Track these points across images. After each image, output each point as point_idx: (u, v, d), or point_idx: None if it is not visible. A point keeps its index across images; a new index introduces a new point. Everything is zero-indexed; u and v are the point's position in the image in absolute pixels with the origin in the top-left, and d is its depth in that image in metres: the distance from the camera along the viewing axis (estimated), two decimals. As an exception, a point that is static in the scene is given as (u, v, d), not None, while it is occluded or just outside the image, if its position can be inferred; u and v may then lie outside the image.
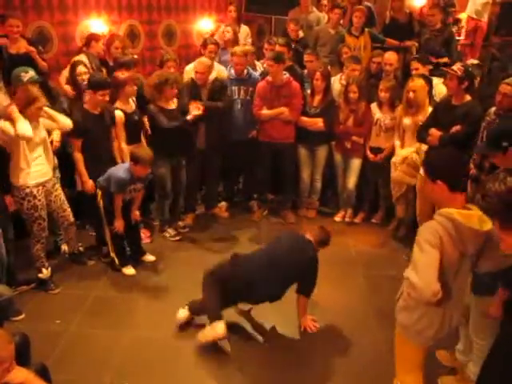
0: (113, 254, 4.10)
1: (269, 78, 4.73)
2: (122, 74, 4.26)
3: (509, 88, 3.47)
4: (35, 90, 3.57)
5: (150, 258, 4.32)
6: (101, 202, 3.98)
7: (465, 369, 2.81)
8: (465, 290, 2.19)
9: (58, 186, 3.89)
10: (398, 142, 4.54)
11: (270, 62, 4.60)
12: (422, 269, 1.99)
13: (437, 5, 5.80)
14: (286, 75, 4.72)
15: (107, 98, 4.01)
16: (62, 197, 3.94)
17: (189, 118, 4.32)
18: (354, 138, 4.80)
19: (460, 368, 2.89)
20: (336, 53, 5.46)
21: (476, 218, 2.01)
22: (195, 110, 4.36)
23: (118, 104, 4.26)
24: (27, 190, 3.61)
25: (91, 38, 4.88)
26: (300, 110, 4.80)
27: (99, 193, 3.97)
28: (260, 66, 5.43)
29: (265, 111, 4.77)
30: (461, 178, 2.13)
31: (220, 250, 4.57)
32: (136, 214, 4.14)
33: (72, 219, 4.03)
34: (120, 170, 3.87)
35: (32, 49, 4.55)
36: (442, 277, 2.00)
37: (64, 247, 4.32)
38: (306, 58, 5.17)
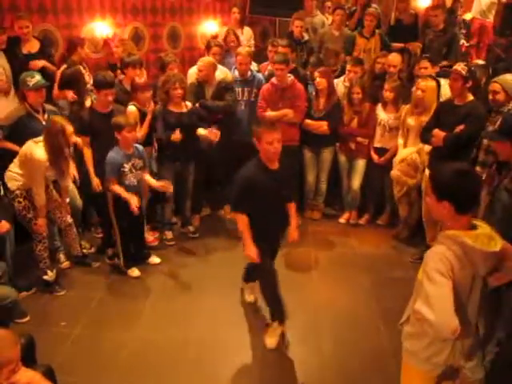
0: (120, 256, 4.08)
1: (274, 80, 4.73)
2: (139, 79, 4.31)
3: (496, 85, 3.60)
4: (61, 120, 3.58)
5: (155, 260, 4.31)
6: (111, 203, 3.93)
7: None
8: (477, 312, 2.01)
9: (51, 187, 3.89)
10: (401, 141, 4.54)
11: (278, 66, 4.58)
12: (437, 304, 1.80)
13: (440, 5, 5.80)
14: (291, 77, 4.73)
15: (110, 98, 4.00)
16: (58, 199, 3.94)
17: (173, 137, 4.23)
18: (359, 139, 4.80)
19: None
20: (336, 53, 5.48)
21: (485, 238, 1.87)
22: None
23: (133, 102, 4.29)
24: (17, 192, 3.62)
25: (76, 44, 4.77)
26: (304, 111, 4.79)
27: (109, 194, 3.92)
28: (255, 66, 5.44)
29: (269, 113, 4.77)
30: (470, 200, 1.91)
31: (225, 252, 4.58)
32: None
33: (70, 220, 4.03)
34: (110, 153, 3.82)
35: (52, 67, 4.61)
36: (455, 304, 1.83)
37: (61, 255, 4.24)
38: (310, 69, 5.19)
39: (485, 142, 3.80)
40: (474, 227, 1.91)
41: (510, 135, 2.45)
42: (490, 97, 3.64)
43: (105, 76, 4.08)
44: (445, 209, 1.89)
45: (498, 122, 2.90)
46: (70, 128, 3.57)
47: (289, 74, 4.71)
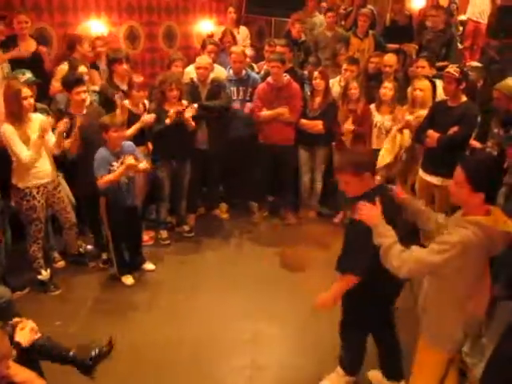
0: (114, 263, 4.03)
1: (270, 79, 4.74)
2: (137, 77, 4.26)
3: (497, 92, 3.80)
4: (17, 83, 3.55)
5: (149, 266, 4.22)
6: (103, 209, 3.86)
7: (473, 371, 2.80)
8: (488, 289, 2.18)
9: (60, 188, 3.88)
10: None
11: (274, 63, 4.60)
12: (424, 264, 2.06)
13: (441, 6, 5.88)
14: (287, 77, 4.74)
15: (83, 96, 3.87)
16: (66, 199, 3.93)
17: (167, 121, 4.21)
18: (345, 125, 4.68)
19: (468, 370, 2.88)
20: (333, 53, 5.51)
21: (501, 223, 2.02)
22: (188, 112, 4.27)
23: (126, 102, 4.26)
24: (26, 191, 3.60)
25: (75, 41, 4.74)
26: (300, 111, 4.80)
27: (102, 199, 3.86)
28: (255, 67, 5.45)
29: (264, 112, 4.77)
30: (497, 189, 2.14)
31: (220, 252, 4.58)
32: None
33: (74, 220, 4.03)
34: (97, 152, 3.74)
35: (44, 49, 4.61)
36: (468, 281, 2.05)
37: (55, 255, 4.24)
38: (309, 68, 5.21)
39: (489, 144, 3.85)
40: (490, 214, 2.05)
41: None
42: (495, 103, 3.79)
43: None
44: (478, 199, 2.01)
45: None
46: (26, 91, 3.52)
47: (284, 74, 4.72)
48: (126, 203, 3.88)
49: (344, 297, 2.61)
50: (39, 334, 2.35)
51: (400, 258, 2.08)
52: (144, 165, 3.86)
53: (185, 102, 4.41)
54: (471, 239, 1.99)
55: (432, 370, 2.25)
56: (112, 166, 3.74)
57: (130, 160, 3.68)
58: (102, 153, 3.72)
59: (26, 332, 2.29)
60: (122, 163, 3.75)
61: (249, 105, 4.88)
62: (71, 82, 3.89)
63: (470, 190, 2.03)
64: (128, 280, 4.04)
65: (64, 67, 4.61)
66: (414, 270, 2.10)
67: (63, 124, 3.62)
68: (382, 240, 2.17)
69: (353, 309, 2.66)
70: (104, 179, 3.65)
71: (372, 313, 2.57)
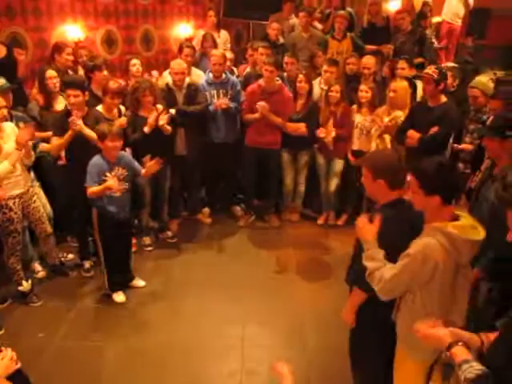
0: (105, 278, 3.86)
1: (261, 81, 4.71)
2: (114, 84, 4.13)
3: (475, 90, 3.91)
4: None
5: (139, 283, 4.05)
6: (95, 221, 3.69)
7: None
8: (465, 298, 2.12)
9: (35, 197, 3.78)
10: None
11: (269, 67, 4.56)
12: (394, 281, 1.99)
13: (405, 9, 6.05)
14: (279, 81, 4.72)
15: (72, 100, 3.77)
16: (41, 209, 3.83)
17: (146, 130, 4.15)
18: (319, 132, 4.71)
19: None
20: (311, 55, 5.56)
21: (469, 227, 1.96)
22: (162, 120, 4.19)
23: (99, 107, 4.16)
24: (2, 203, 3.48)
25: (54, 50, 4.68)
26: (288, 117, 4.79)
27: (94, 211, 3.69)
28: (235, 70, 5.44)
29: (249, 116, 4.75)
30: (455, 191, 2.05)
31: (204, 257, 4.55)
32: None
33: (50, 230, 3.92)
34: (91, 160, 3.59)
35: (20, 51, 4.54)
36: (439, 291, 1.99)
37: (36, 265, 4.13)
38: (286, 60, 5.16)
39: (467, 139, 3.94)
40: (456, 218, 2.01)
41: (499, 132, 2.55)
42: (471, 101, 3.86)
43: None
44: (434, 202, 1.98)
45: (491, 119, 3.01)
46: (0, 101, 3.42)
47: (277, 78, 4.70)
48: (117, 216, 3.71)
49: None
50: (19, 364, 2.23)
51: (379, 280, 2.03)
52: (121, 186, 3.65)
53: (160, 107, 4.35)
54: (433, 247, 1.92)
55: (413, 380, 2.18)
56: (106, 176, 3.56)
57: (110, 182, 3.49)
58: (97, 161, 3.55)
59: (5, 362, 2.16)
60: (114, 176, 3.58)
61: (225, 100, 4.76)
62: (66, 83, 3.87)
63: (423, 195, 2.00)
64: (119, 297, 3.85)
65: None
66: (389, 291, 2.04)
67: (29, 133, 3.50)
68: (368, 263, 2.08)
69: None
70: (93, 191, 3.49)
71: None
